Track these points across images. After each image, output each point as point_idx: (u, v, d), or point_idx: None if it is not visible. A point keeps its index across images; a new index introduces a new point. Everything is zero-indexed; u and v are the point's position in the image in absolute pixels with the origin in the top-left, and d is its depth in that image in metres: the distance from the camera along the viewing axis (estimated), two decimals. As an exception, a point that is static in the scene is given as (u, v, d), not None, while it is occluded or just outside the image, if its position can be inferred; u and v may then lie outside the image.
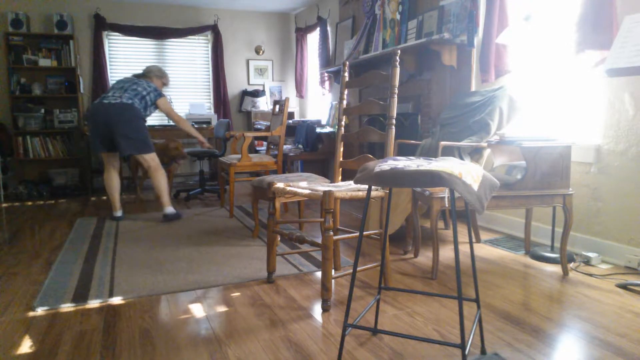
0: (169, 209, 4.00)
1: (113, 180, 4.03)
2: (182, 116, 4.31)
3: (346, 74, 2.57)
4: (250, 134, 4.24)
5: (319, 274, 2.62)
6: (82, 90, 5.93)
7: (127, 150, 3.77)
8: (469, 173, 1.43)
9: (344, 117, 2.58)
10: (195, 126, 6.07)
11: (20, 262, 2.93)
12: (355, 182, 1.55)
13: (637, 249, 2.61)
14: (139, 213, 4.41)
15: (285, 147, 5.49)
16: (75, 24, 5.90)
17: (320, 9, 6.20)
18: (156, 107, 4.05)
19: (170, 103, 4.30)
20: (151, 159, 3.93)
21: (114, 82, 4.18)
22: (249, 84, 7.03)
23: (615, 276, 2.50)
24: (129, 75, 4.81)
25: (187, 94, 6.72)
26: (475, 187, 1.43)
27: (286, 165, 5.26)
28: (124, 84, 3.93)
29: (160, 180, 3.96)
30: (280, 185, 2.34)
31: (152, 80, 4.15)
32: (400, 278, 2.54)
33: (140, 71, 4.25)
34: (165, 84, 4.31)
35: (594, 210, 2.84)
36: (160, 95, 4.02)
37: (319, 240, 2.14)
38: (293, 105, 7.05)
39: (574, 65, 2.88)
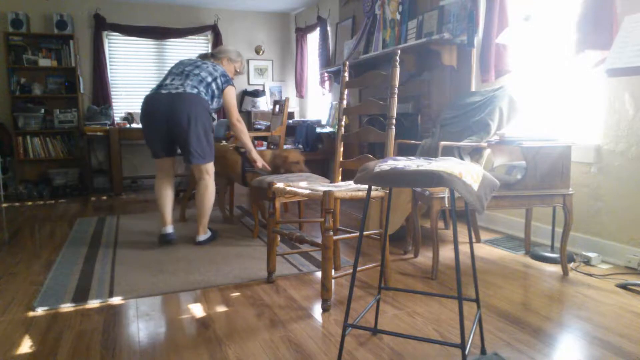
0: (204, 237, 3.20)
1: (167, 190, 3.17)
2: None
3: (346, 74, 2.57)
4: (250, 134, 4.24)
5: (319, 274, 2.62)
6: (82, 90, 5.92)
7: (195, 157, 2.98)
8: (469, 173, 1.43)
9: (344, 117, 2.57)
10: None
11: (20, 262, 2.93)
12: (355, 182, 1.55)
13: (637, 249, 2.61)
14: (138, 213, 4.41)
15: (285, 147, 5.48)
16: (75, 24, 5.90)
17: (320, 9, 6.20)
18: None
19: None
20: (208, 170, 3.11)
21: (171, 65, 3.26)
22: (249, 84, 7.03)
23: (615, 276, 2.50)
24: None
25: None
26: (475, 187, 1.43)
27: (286, 165, 5.25)
28: (184, 68, 3.07)
29: (210, 198, 3.14)
30: (280, 185, 2.34)
31: (221, 63, 3.31)
32: (400, 278, 2.54)
33: (183, 60, 3.21)
34: (238, 72, 3.48)
35: (594, 210, 2.84)
36: (229, 82, 3.14)
37: (319, 240, 2.14)
38: (293, 105, 7.05)
39: (574, 65, 2.88)
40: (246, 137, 3.27)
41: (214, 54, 3.36)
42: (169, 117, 2.91)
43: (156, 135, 3.01)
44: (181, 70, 3.06)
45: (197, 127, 2.93)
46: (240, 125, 3.22)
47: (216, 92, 3.08)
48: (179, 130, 2.93)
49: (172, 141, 3.05)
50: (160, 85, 3.01)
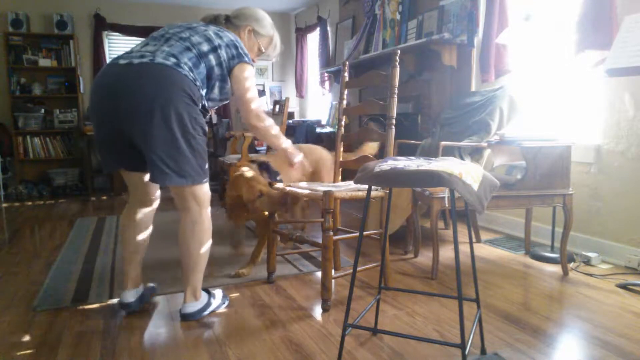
0: (193, 306, 2.02)
1: (136, 229, 2.07)
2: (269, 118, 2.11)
3: (346, 74, 2.57)
4: (250, 134, 4.24)
5: (319, 274, 2.61)
6: (82, 90, 5.92)
7: (165, 172, 1.80)
8: (469, 173, 1.43)
9: (344, 117, 2.57)
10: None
11: (20, 262, 2.93)
12: (355, 182, 1.55)
13: (637, 249, 2.61)
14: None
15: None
16: (75, 24, 5.90)
17: (320, 9, 6.20)
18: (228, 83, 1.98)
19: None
20: (197, 197, 1.93)
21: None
22: (249, 84, 7.02)
23: (615, 276, 2.50)
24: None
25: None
26: (475, 187, 1.43)
27: (286, 165, 5.25)
28: (168, 30, 1.96)
29: (201, 242, 1.98)
30: (280, 185, 2.34)
31: (238, 34, 2.13)
32: (400, 278, 2.54)
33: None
34: (263, 53, 2.27)
35: (594, 210, 2.84)
36: (243, 58, 1.97)
37: (319, 240, 2.14)
38: (293, 105, 7.05)
39: (574, 65, 2.88)
40: (276, 135, 2.13)
41: (230, 19, 2.16)
42: (120, 102, 1.77)
43: (104, 133, 1.87)
44: (163, 33, 1.94)
45: (168, 122, 1.75)
46: (263, 125, 2.05)
47: (217, 70, 1.91)
48: (135, 124, 1.77)
49: (131, 146, 1.86)
50: (124, 54, 1.88)
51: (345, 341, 1.80)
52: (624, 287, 2.35)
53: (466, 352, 1.37)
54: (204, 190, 1.95)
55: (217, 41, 1.92)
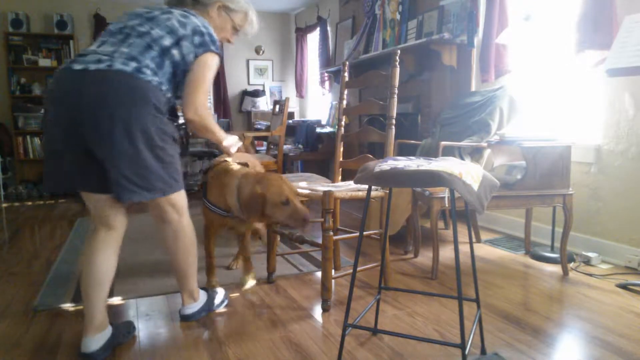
0: (192, 307, 2.02)
1: (98, 259, 1.76)
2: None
3: (346, 74, 2.57)
4: (250, 134, 4.25)
5: (319, 274, 2.61)
6: (82, 90, 5.92)
7: (130, 188, 1.63)
8: (469, 173, 1.43)
9: (344, 117, 2.57)
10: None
11: (20, 262, 2.93)
12: (355, 182, 1.55)
13: (637, 249, 2.61)
14: (137, 213, 4.41)
15: (285, 147, 5.48)
16: (75, 24, 5.90)
17: (320, 9, 6.20)
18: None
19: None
20: (175, 205, 1.80)
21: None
22: (249, 84, 7.03)
23: (615, 276, 2.50)
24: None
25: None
26: (475, 187, 1.43)
27: (286, 165, 5.26)
28: (127, 22, 1.73)
29: (187, 249, 1.91)
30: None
31: (206, 16, 1.89)
32: (400, 278, 2.54)
33: None
34: (238, 31, 2.03)
35: (594, 210, 2.84)
36: (209, 46, 1.76)
37: (319, 240, 2.14)
38: (293, 105, 7.05)
39: (574, 65, 2.88)
40: (212, 130, 1.86)
41: None
42: (75, 115, 1.57)
43: (56, 147, 1.64)
44: (121, 26, 1.72)
45: (132, 140, 1.58)
46: (202, 120, 1.77)
47: (181, 65, 1.73)
48: (95, 142, 1.58)
49: (89, 161, 1.63)
50: (78, 57, 1.65)
51: (345, 341, 1.80)
52: (624, 287, 2.35)
53: (466, 352, 1.37)
54: (182, 196, 1.82)
55: (180, 31, 1.71)
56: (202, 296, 2.06)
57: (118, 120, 1.55)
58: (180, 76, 1.74)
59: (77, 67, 1.59)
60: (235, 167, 2.16)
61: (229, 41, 2.01)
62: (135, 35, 1.67)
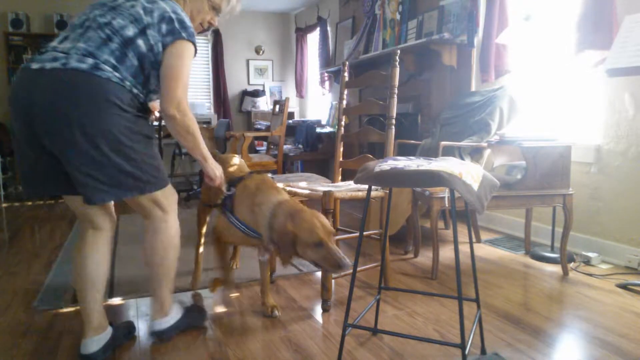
0: (165, 322, 1.83)
1: (88, 262, 1.72)
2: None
3: (346, 74, 2.57)
4: (250, 134, 4.25)
5: (318, 274, 2.61)
6: (82, 90, 5.92)
7: (97, 191, 1.54)
8: (469, 173, 1.43)
9: (344, 117, 2.58)
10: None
11: (20, 262, 2.93)
12: (355, 182, 1.55)
13: (637, 249, 2.61)
14: (137, 213, 4.41)
15: (285, 147, 5.49)
16: (75, 24, 5.90)
17: (320, 9, 6.20)
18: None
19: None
20: (159, 202, 1.72)
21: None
22: (249, 84, 7.03)
23: (615, 276, 2.50)
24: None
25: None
26: (475, 187, 1.43)
27: (286, 165, 5.26)
28: (89, 13, 1.59)
29: (168, 251, 1.80)
30: (280, 185, 2.33)
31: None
32: (400, 278, 2.54)
33: None
34: (216, 9, 1.84)
35: (594, 210, 2.84)
36: (180, 34, 1.58)
37: (319, 240, 2.12)
38: (293, 105, 7.05)
39: (574, 65, 2.88)
40: (195, 134, 1.66)
41: None
42: (33, 119, 1.48)
43: (22, 149, 1.57)
44: (84, 19, 1.58)
45: (94, 143, 1.47)
46: (184, 118, 1.61)
47: (149, 57, 1.56)
48: (56, 146, 1.49)
49: (57, 164, 1.54)
50: (37, 55, 1.58)
51: (345, 341, 1.80)
52: (624, 287, 2.35)
53: (466, 352, 1.37)
54: (166, 193, 1.69)
55: (145, 19, 1.54)
56: (175, 311, 1.86)
57: (75, 124, 1.44)
58: (147, 69, 1.58)
59: (35, 66, 1.51)
60: (270, 182, 1.93)
61: (211, 24, 1.85)
62: (94, 28, 1.53)
